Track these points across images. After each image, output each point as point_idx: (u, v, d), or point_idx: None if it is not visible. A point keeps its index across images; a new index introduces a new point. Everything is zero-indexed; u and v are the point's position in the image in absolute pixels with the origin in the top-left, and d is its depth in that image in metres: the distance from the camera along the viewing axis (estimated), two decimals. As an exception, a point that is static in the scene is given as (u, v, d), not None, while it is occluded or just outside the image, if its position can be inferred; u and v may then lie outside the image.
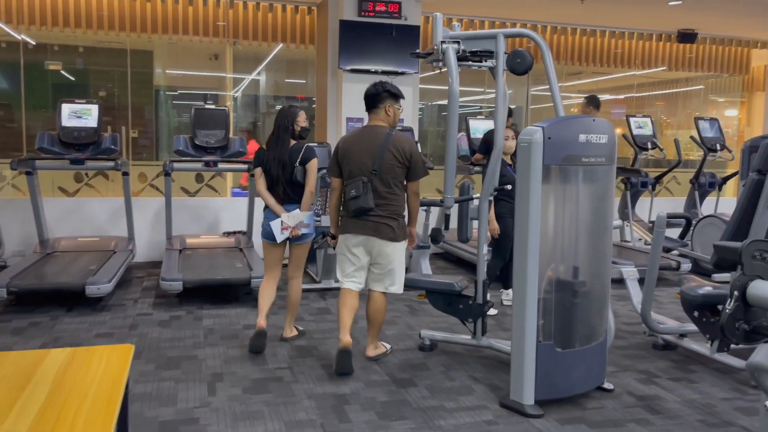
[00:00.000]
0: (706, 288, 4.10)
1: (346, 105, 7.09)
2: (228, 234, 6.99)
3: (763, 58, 10.34)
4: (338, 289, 6.02)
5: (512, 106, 7.57)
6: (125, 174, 6.39)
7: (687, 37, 8.88)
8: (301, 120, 4.33)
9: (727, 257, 2.14)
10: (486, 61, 4.10)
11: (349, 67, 6.98)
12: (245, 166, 6.52)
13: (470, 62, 4.11)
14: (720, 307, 4.02)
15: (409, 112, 7.28)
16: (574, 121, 3.34)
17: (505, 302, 5.54)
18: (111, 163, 6.26)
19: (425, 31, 7.70)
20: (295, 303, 4.47)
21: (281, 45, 8.22)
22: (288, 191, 4.28)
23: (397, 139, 3.88)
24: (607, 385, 3.69)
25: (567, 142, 3.24)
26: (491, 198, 4.36)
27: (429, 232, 6.09)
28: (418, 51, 4.28)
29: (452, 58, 3.84)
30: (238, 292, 5.68)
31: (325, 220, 5.53)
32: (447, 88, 3.91)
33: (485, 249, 4.20)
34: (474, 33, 4.18)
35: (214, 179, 9.03)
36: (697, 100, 11.69)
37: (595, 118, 3.40)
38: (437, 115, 10.88)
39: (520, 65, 3.91)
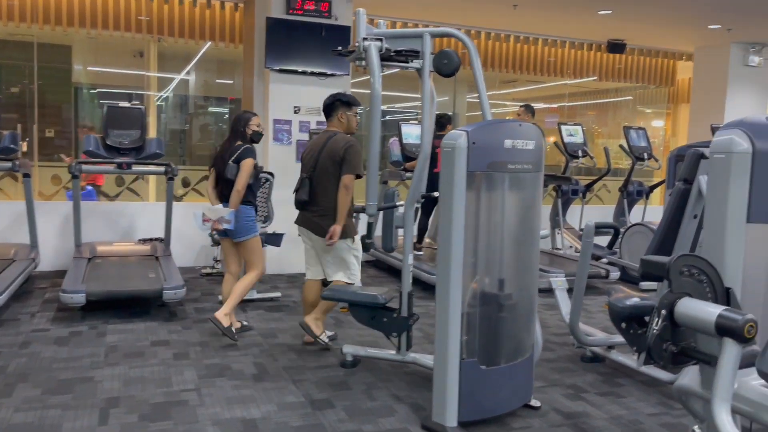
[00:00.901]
0: (633, 299, 4.00)
1: (274, 106, 6.78)
2: (144, 241, 6.55)
3: (687, 70, 10.63)
4: (263, 300, 5.77)
5: (450, 113, 7.44)
6: (26, 176, 5.89)
7: (616, 47, 9.00)
8: (253, 124, 4.58)
9: (655, 272, 1.98)
10: (412, 61, 3.90)
11: (276, 67, 6.67)
12: (162, 169, 6.11)
13: (395, 62, 3.90)
14: (647, 318, 3.95)
15: (339, 116, 7.02)
16: (499, 126, 3.17)
17: None
18: (8, 164, 5.74)
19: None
20: (235, 292, 4.46)
21: (209, 43, 7.84)
22: (224, 189, 4.47)
23: (335, 141, 4.17)
24: (534, 403, 3.53)
25: (492, 148, 3.06)
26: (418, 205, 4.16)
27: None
28: (339, 48, 4.03)
29: (374, 56, 3.62)
30: (149, 305, 5.27)
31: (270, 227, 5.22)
32: (386, 92, 3.68)
33: (410, 259, 3.99)
34: (399, 31, 3.98)
35: (135, 183, 8.55)
36: (626, 110, 11.94)
37: (522, 122, 3.24)
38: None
39: (446, 66, 3.74)
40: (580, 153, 7.60)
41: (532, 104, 7.33)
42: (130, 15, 7.21)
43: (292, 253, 6.00)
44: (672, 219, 3.69)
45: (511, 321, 3.33)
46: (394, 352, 4.05)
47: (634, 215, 8.13)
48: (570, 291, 4.65)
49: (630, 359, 4.10)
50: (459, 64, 3.74)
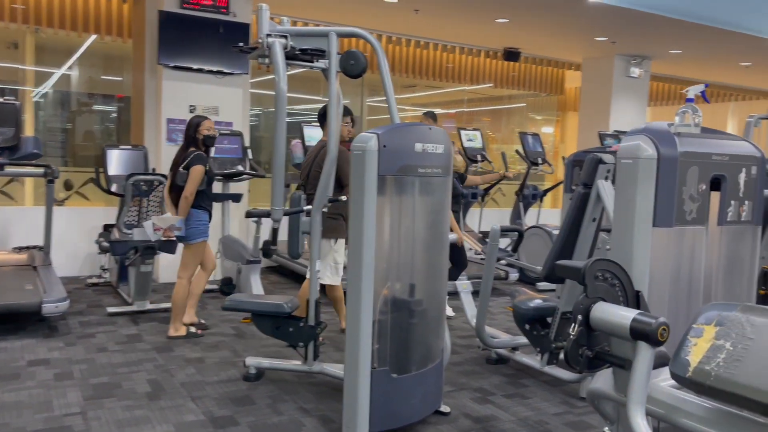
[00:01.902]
0: (536, 301, 4.10)
1: (167, 105, 6.40)
2: (20, 249, 5.97)
3: (575, 80, 11.19)
4: (156, 311, 5.40)
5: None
6: (50, 182, 5.43)
7: (512, 55, 9.30)
8: (204, 128, 4.56)
9: (570, 277, 1.97)
10: (318, 61, 3.78)
11: (171, 64, 6.31)
12: (41, 171, 5.59)
13: (300, 61, 3.76)
14: (549, 319, 4.05)
15: (238, 116, 6.76)
16: (410, 129, 3.11)
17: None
18: (40, 170, 5.43)
19: (256, 30, 7.23)
20: (175, 302, 4.61)
21: (94, 37, 7.29)
22: (177, 196, 4.51)
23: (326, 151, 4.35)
24: (444, 408, 3.50)
25: (403, 151, 3.00)
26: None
27: (260, 245, 5.65)
28: (241, 44, 3.83)
29: (279, 53, 3.46)
30: (25, 321, 4.78)
31: (138, 233, 4.85)
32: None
33: (317, 265, 3.86)
34: (304, 29, 3.85)
35: (10, 185, 7.80)
36: (519, 116, 12.41)
37: (432, 126, 3.20)
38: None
39: (354, 67, 3.64)
40: (479, 157, 7.76)
41: (432, 109, 7.41)
42: (2, 2, 6.57)
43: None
44: (573, 222, 3.80)
45: (421, 327, 3.28)
46: (300, 362, 3.90)
47: (530, 218, 8.42)
48: (474, 294, 4.71)
49: (533, 360, 4.18)
50: (366, 66, 3.66)
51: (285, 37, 3.54)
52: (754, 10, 7.57)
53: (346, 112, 4.52)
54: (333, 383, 3.80)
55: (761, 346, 1.61)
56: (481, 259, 8.16)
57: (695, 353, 1.72)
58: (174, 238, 4.66)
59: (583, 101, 9.91)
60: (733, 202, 2.34)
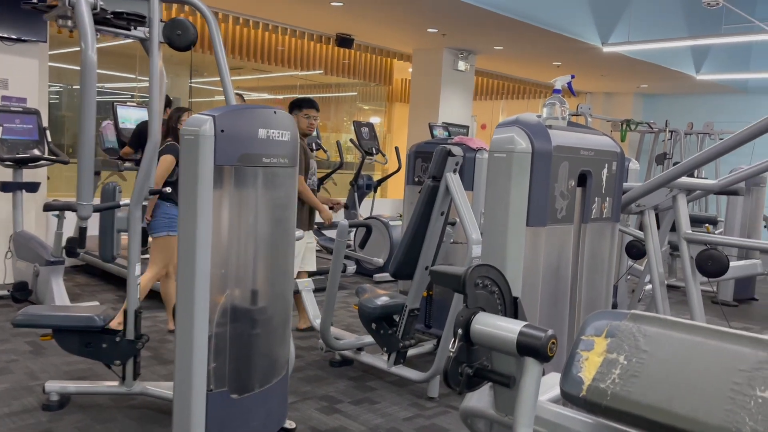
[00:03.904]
0: (383, 298, 3.91)
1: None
2: None
3: (402, 71, 11.31)
4: None
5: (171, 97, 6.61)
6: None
7: (345, 41, 9.08)
8: (184, 120, 4.21)
9: (448, 285, 1.74)
10: (136, 28, 3.20)
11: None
12: None
13: (113, 27, 3.15)
14: (396, 317, 3.88)
15: (34, 91, 5.78)
16: (252, 112, 2.69)
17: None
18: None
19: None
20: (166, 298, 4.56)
21: None
22: None
23: None
24: (289, 424, 3.16)
25: (245, 138, 2.58)
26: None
27: (63, 242, 4.84)
28: (34, 0, 3.12)
29: (86, 14, 2.84)
30: None
31: None
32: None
33: (137, 269, 3.29)
34: (118, -11, 3.23)
35: None
36: (348, 105, 12.30)
37: (277, 110, 2.82)
38: (80, 100, 9.14)
39: (181, 38, 3.14)
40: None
41: (259, 95, 6.95)
42: None
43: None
44: (421, 216, 3.65)
45: (265, 338, 2.90)
46: (117, 383, 3.32)
47: (363, 208, 8.31)
48: (316, 291, 4.43)
49: (379, 360, 3.98)
50: (196, 37, 3.18)
51: (94, -5, 2.93)
52: (569, 13, 8.10)
53: (305, 104, 4.71)
54: (158, 405, 3.29)
55: (656, 358, 1.49)
56: (316, 251, 7.90)
57: (587, 369, 1.57)
58: None
59: (414, 92, 10.01)
60: (597, 199, 2.27)
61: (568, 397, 1.58)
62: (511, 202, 2.00)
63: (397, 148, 8.50)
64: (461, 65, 9.60)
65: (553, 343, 1.62)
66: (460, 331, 1.73)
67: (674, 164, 11.23)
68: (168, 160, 4.36)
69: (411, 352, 3.98)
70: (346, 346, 4.07)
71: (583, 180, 2.24)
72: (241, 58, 8.84)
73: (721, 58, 11.01)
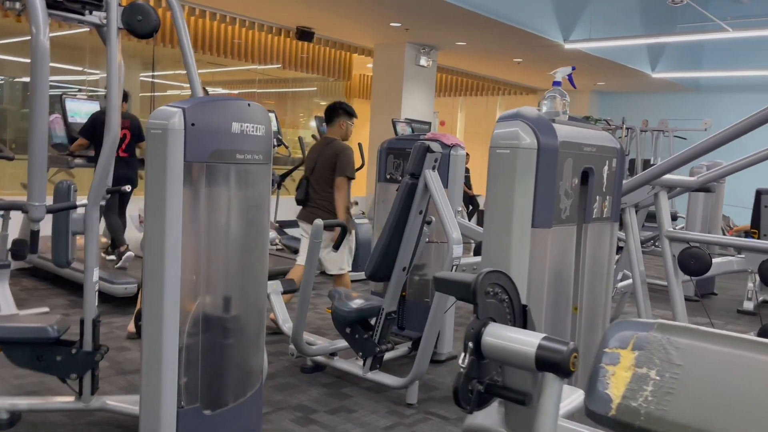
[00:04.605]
0: (357, 301, 3.74)
1: None
2: None
3: (361, 66, 11.11)
4: None
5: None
6: None
7: (305, 35, 8.84)
8: None
9: (456, 295, 1.59)
10: (91, 13, 2.93)
11: None
12: None
13: (65, 12, 2.88)
14: (372, 321, 3.71)
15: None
16: (225, 105, 2.48)
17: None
18: None
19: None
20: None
21: None
22: None
23: (332, 147, 4.52)
24: (264, 438, 2.97)
25: (217, 132, 2.37)
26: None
27: (8, 244, 4.49)
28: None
29: (37, -4, 2.57)
30: None
31: None
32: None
33: (95, 274, 3.03)
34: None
35: None
36: (306, 101, 12.03)
37: (251, 102, 2.61)
38: (22, 93, 8.62)
39: (142, 25, 2.90)
40: (275, 141, 7.20)
41: (213, 90, 6.65)
42: None
43: None
44: (400, 213, 3.50)
45: (239, 349, 2.69)
46: (73, 398, 3.05)
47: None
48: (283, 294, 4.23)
49: (354, 365, 3.82)
50: (158, 24, 2.94)
51: (45, -26, 2.66)
52: (533, 9, 8.06)
53: (355, 114, 4.71)
54: (119, 421, 3.04)
55: (692, 374, 1.37)
56: (278, 250, 7.65)
57: (615, 385, 1.44)
58: None
59: (375, 88, 9.83)
60: (598, 198, 2.15)
61: (594, 417, 1.44)
62: (516, 202, 1.86)
63: (360, 145, 8.31)
64: (423, 61, 9.48)
65: (575, 357, 1.49)
66: (470, 344, 1.58)
67: (630, 161, 11.33)
68: None
69: (386, 356, 3.83)
70: (320, 351, 3.89)
71: (584, 178, 2.13)
72: (195, 51, 8.47)
73: (675, 56, 11.23)
